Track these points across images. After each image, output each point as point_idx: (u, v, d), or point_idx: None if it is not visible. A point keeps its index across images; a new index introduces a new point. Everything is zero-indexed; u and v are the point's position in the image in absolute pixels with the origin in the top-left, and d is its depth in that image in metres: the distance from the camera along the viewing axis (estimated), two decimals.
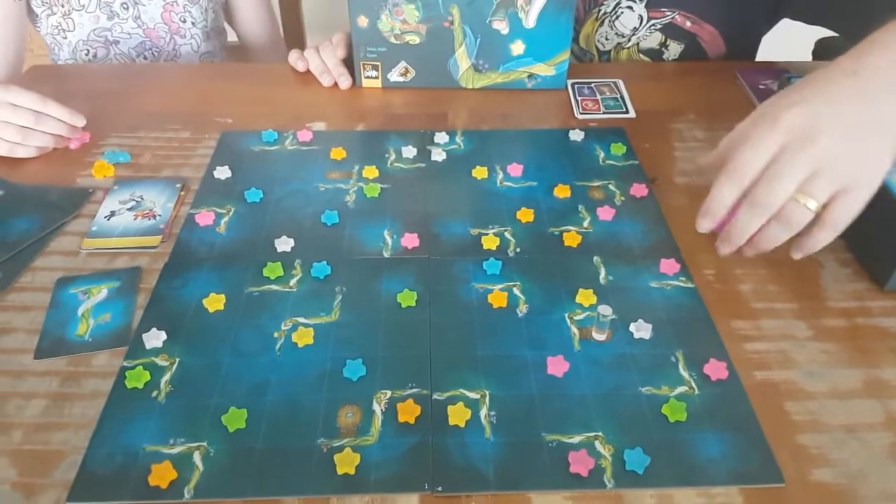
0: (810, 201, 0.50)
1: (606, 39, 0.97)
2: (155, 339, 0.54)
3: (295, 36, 1.43)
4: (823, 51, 1.05)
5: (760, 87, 0.86)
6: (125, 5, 0.98)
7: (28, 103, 0.71)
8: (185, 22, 1.03)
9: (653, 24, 0.93)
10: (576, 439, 0.48)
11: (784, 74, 0.74)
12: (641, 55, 0.97)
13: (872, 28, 0.51)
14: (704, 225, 0.55)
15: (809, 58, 1.06)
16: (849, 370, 0.53)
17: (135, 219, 0.66)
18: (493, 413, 0.49)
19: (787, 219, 0.51)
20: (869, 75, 0.49)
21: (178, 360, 0.53)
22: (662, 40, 0.94)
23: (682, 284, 0.59)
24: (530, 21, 0.80)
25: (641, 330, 0.55)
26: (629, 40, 0.95)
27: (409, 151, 0.75)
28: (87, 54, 1.01)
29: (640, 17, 0.93)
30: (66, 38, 0.99)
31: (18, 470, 0.46)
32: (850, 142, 0.49)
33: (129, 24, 0.99)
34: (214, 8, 1.07)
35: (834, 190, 0.49)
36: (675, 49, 0.95)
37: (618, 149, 0.75)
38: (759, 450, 0.47)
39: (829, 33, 0.88)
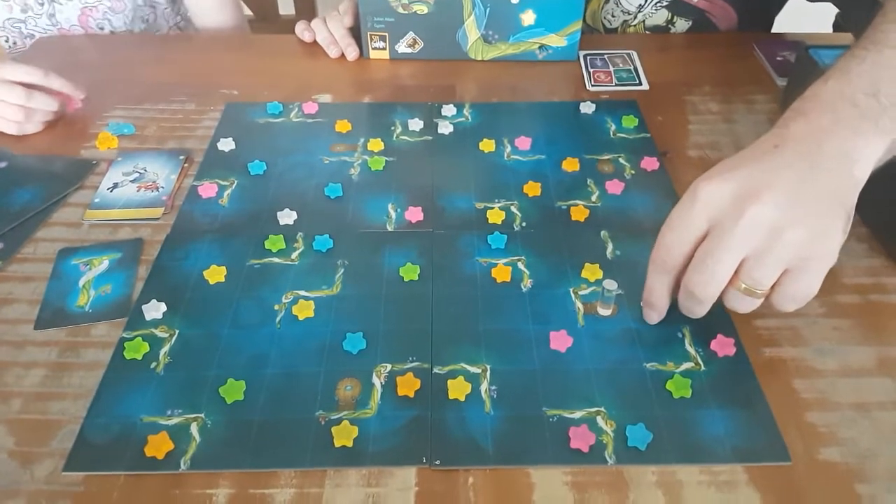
0: (755, 290, 0.44)
1: (613, 16, 0.95)
2: (155, 310, 0.53)
3: (306, 7, 1.41)
4: (845, 23, 1.02)
5: (778, 59, 0.84)
6: (40, 1, 0.94)
7: (28, 77, 0.70)
8: (102, 30, 0.97)
9: (659, 1, 0.90)
10: (577, 414, 0.47)
11: (802, 45, 0.72)
12: (648, 33, 0.94)
13: (866, 5, 0.48)
14: (652, 317, 0.51)
15: (830, 31, 1.03)
16: (861, 347, 0.52)
17: (138, 190, 0.66)
18: (493, 387, 0.49)
19: (732, 306, 0.46)
20: (790, 147, 0.45)
21: (177, 331, 0.53)
22: (669, 17, 0.92)
23: None
24: None
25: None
26: (635, 17, 0.93)
27: (416, 124, 0.73)
28: (6, 41, 0.97)
29: None
30: None
31: (16, 439, 0.46)
32: (791, 211, 0.42)
33: (43, 21, 0.95)
34: (147, 18, 1.01)
35: (781, 269, 0.44)
36: (682, 26, 0.92)
37: (629, 121, 0.74)
38: (766, 427, 0.46)
39: None
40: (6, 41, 0.98)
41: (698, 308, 0.47)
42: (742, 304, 0.46)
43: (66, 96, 0.74)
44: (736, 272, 0.44)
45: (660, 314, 0.51)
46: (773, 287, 0.45)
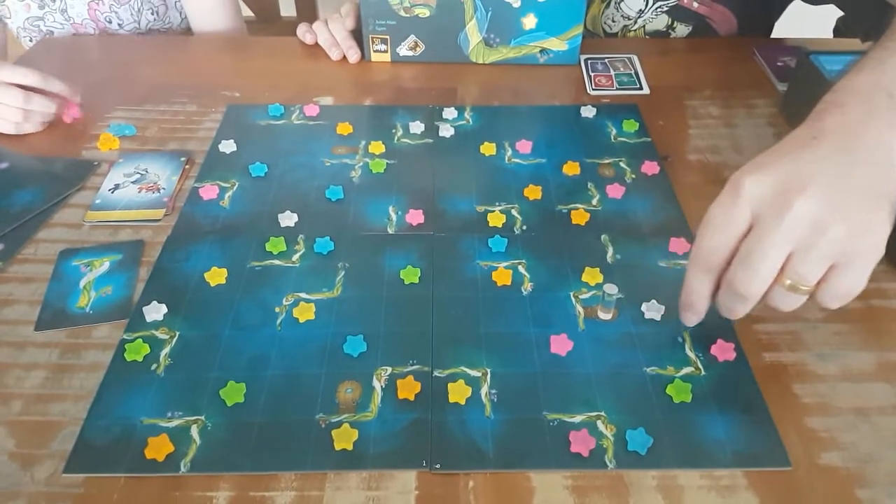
0: (801, 286, 0.43)
1: (613, 21, 0.95)
2: (155, 312, 0.53)
3: (307, 9, 1.42)
4: (846, 28, 1.02)
5: (778, 64, 0.84)
6: None
7: (29, 80, 0.70)
8: (111, 23, 0.98)
9: (659, 7, 0.91)
10: (577, 419, 0.47)
11: (803, 51, 0.72)
12: (648, 38, 0.94)
13: (869, 5, 0.47)
14: (690, 319, 0.49)
15: (831, 36, 1.03)
16: (861, 352, 0.52)
17: (139, 192, 0.66)
18: (493, 391, 0.49)
19: (777, 304, 0.45)
20: (828, 140, 0.44)
21: (178, 333, 0.53)
22: (669, 23, 0.92)
23: None
24: None
25: (652, 310, 0.54)
26: (635, 22, 0.93)
27: (417, 127, 0.73)
28: (30, 41, 0.98)
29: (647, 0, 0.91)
30: (6, 24, 0.98)
31: (17, 440, 0.46)
32: (835, 206, 0.41)
33: (57, 17, 0.96)
34: (157, 10, 1.01)
35: (827, 265, 0.42)
36: (682, 31, 0.93)
37: (630, 126, 0.74)
38: (766, 432, 0.46)
39: None
40: (29, 41, 0.99)
41: (741, 307, 0.46)
42: (787, 302, 0.45)
43: (63, 99, 0.74)
44: (781, 269, 0.43)
45: (699, 316, 0.49)
46: (818, 283, 0.44)
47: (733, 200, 0.44)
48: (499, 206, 0.64)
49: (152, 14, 1.01)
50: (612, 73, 0.83)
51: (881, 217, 0.42)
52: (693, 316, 0.49)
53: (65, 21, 0.97)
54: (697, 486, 0.44)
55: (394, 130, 0.74)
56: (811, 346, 0.52)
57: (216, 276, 0.56)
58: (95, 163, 0.69)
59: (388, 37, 0.83)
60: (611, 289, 0.53)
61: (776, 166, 0.43)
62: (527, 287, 0.56)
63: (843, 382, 0.50)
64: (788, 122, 0.75)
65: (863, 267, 0.43)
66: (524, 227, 0.62)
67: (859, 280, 0.43)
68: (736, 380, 0.50)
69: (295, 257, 0.59)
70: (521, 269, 0.58)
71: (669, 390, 0.48)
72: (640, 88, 0.81)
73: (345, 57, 0.86)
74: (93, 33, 0.98)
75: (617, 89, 0.81)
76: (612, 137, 0.73)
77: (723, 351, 0.51)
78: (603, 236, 0.61)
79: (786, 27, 1.00)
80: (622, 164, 0.69)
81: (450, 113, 0.75)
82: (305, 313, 0.54)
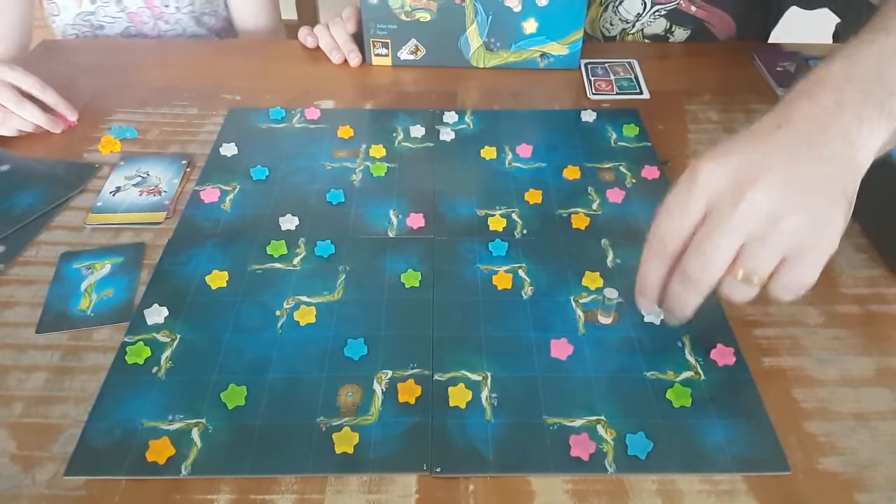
0: (753, 278, 0.42)
1: (611, 24, 0.95)
2: (156, 314, 0.53)
3: (308, 12, 1.42)
4: (846, 33, 1.03)
5: (778, 69, 0.84)
6: None
7: (26, 85, 0.71)
8: (167, 7, 0.98)
9: (657, 10, 0.91)
10: (577, 423, 0.47)
11: (802, 56, 0.72)
12: (646, 41, 0.95)
13: (864, 10, 0.47)
14: (643, 305, 0.48)
15: (829, 41, 1.03)
16: (860, 357, 0.52)
17: (140, 195, 0.66)
18: (494, 395, 0.49)
19: (729, 295, 0.44)
20: (791, 129, 0.43)
21: (179, 336, 0.53)
22: (667, 26, 0.92)
23: None
24: None
25: (652, 315, 0.54)
26: (633, 26, 0.94)
27: (418, 131, 0.74)
28: (76, 37, 0.99)
29: (644, 3, 0.91)
30: (55, 22, 0.98)
31: (18, 443, 0.46)
32: (790, 198, 0.41)
33: (111, 8, 0.96)
34: None
35: (779, 257, 0.42)
36: (680, 35, 0.93)
37: (630, 130, 0.74)
38: (766, 437, 0.46)
39: None
40: (76, 37, 0.99)
41: (693, 298, 0.45)
42: (738, 293, 0.44)
43: (58, 114, 0.74)
44: (734, 259, 0.43)
45: (651, 303, 0.48)
46: (770, 276, 0.43)
47: (689, 189, 0.43)
48: (499, 210, 0.64)
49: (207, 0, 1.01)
50: (613, 77, 0.84)
51: (837, 212, 0.42)
52: (646, 302, 0.48)
53: (119, 12, 0.97)
54: (697, 491, 0.44)
55: (395, 134, 0.74)
56: (811, 350, 0.52)
57: (217, 279, 0.57)
58: (96, 165, 0.69)
59: (389, 41, 0.84)
60: (611, 293, 0.53)
61: (735, 155, 0.43)
62: (527, 291, 0.56)
63: (843, 387, 0.50)
64: None
65: (815, 261, 0.42)
66: (524, 232, 0.62)
67: (811, 274, 0.42)
68: (735, 384, 0.50)
69: (296, 260, 0.59)
70: (521, 273, 0.58)
71: (669, 395, 0.49)
72: (641, 93, 0.81)
73: (346, 60, 0.86)
74: (148, 21, 0.99)
75: (617, 94, 0.81)
76: (613, 142, 0.73)
77: (722, 355, 0.51)
78: (603, 240, 0.61)
79: (785, 32, 1.00)
80: (622, 169, 0.69)
81: (450, 117, 0.76)
82: (306, 316, 0.54)
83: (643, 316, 0.54)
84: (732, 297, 0.44)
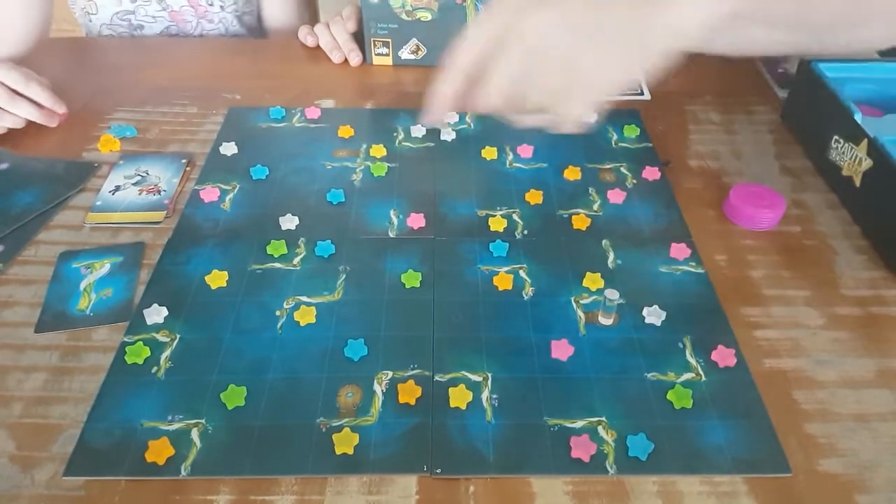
0: (530, 105, 0.44)
1: None
2: (156, 314, 0.53)
3: (308, 11, 1.42)
4: None
5: (779, 70, 0.84)
6: None
7: (10, 81, 0.69)
8: (212, 5, 0.97)
9: None
10: (578, 424, 0.47)
11: (803, 57, 0.72)
12: None
13: None
14: (430, 117, 0.48)
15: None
16: (860, 359, 0.52)
17: (139, 194, 0.66)
18: (494, 396, 0.49)
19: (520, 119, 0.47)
20: None
21: (178, 336, 0.52)
22: None
23: (692, 269, 0.58)
24: None
25: (653, 315, 0.54)
26: None
27: (419, 130, 0.74)
28: (77, 37, 0.98)
29: None
30: (90, 20, 0.97)
31: (17, 443, 0.46)
32: (572, 31, 0.42)
33: (153, 7, 0.95)
34: None
35: (552, 90, 0.43)
36: None
37: (631, 131, 0.74)
38: (766, 439, 0.46)
39: None
40: (111, 37, 0.98)
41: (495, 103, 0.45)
42: (524, 119, 0.47)
43: (49, 114, 0.73)
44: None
45: (438, 116, 0.47)
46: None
47: (485, 15, 0.44)
48: (500, 210, 0.64)
49: None
50: None
51: (618, 59, 0.43)
52: (435, 114, 0.47)
53: (161, 10, 0.95)
54: (697, 492, 0.44)
55: (395, 134, 0.74)
56: (811, 352, 0.52)
57: (217, 279, 0.56)
58: (96, 164, 0.69)
59: (389, 40, 0.84)
60: (612, 294, 0.53)
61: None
62: (528, 292, 0.56)
63: (843, 389, 0.50)
64: (789, 129, 0.75)
65: (579, 94, 0.43)
66: (525, 232, 0.62)
67: (579, 107, 0.44)
68: (736, 386, 0.50)
69: (296, 260, 0.59)
70: (522, 273, 0.58)
71: (670, 396, 0.49)
72: (642, 94, 0.81)
73: (346, 60, 0.86)
74: (191, 21, 0.97)
75: (618, 94, 0.81)
76: (614, 143, 0.73)
77: (723, 357, 0.51)
78: (604, 241, 0.61)
79: None
80: (623, 170, 0.69)
81: (451, 117, 0.76)
82: (306, 317, 0.54)
83: (644, 317, 0.54)
84: (520, 122, 0.47)
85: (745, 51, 0.47)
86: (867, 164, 0.61)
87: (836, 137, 0.65)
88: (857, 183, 0.62)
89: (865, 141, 0.60)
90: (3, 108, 0.70)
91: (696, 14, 0.42)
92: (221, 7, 0.98)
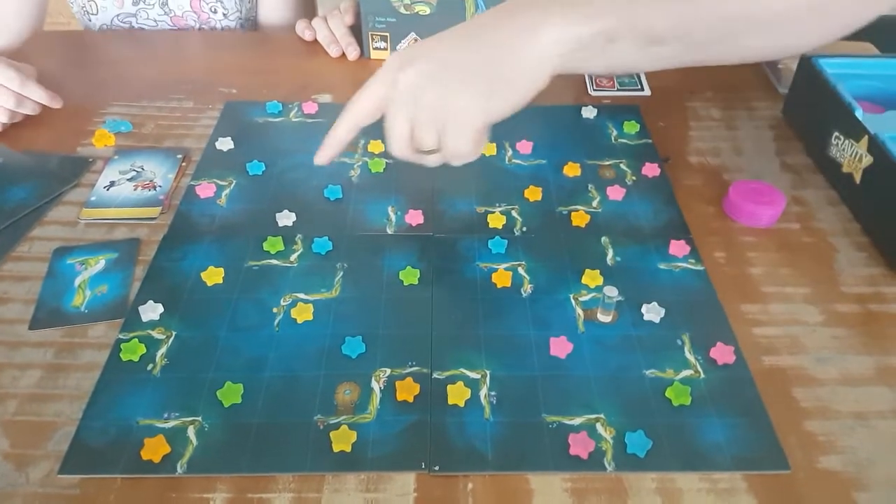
0: (423, 149, 0.49)
1: None
2: (152, 311, 0.53)
3: (306, 5, 1.41)
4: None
5: (779, 66, 0.84)
6: None
7: (6, 81, 0.69)
8: (215, 13, 0.96)
9: None
10: (577, 421, 0.47)
11: (805, 54, 0.72)
12: None
13: None
14: (323, 157, 0.54)
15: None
16: (860, 357, 0.52)
17: (135, 189, 0.65)
18: (493, 393, 0.48)
19: (423, 162, 0.51)
20: (467, 24, 0.48)
21: (174, 333, 0.52)
22: None
23: (691, 266, 0.58)
24: None
25: (652, 312, 0.53)
26: None
27: None
28: (71, 30, 0.97)
29: None
30: (90, 21, 0.96)
31: (11, 441, 0.45)
32: (433, 77, 0.46)
33: (155, 11, 0.94)
34: None
35: (434, 130, 0.48)
36: None
37: (631, 127, 0.74)
38: (765, 436, 0.46)
39: None
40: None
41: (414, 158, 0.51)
42: (427, 160, 0.51)
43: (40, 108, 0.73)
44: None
45: (331, 158, 0.54)
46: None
47: (375, 78, 0.49)
48: (499, 207, 0.64)
49: (250, 2, 0.99)
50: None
51: (476, 88, 0.46)
52: (326, 155, 0.53)
53: (163, 14, 0.94)
54: (696, 490, 0.44)
55: None
56: (810, 349, 0.52)
57: (213, 276, 0.56)
58: (90, 159, 0.69)
59: (387, 34, 0.83)
60: (611, 291, 0.52)
61: (411, 49, 0.48)
62: (527, 289, 0.56)
63: (842, 386, 0.50)
64: (790, 125, 0.75)
65: (457, 132, 0.47)
66: (524, 229, 0.61)
67: (461, 143, 0.48)
68: (735, 383, 0.49)
69: (293, 257, 0.58)
70: (521, 270, 0.57)
71: (669, 393, 0.48)
72: (642, 89, 0.81)
73: (344, 54, 0.86)
74: (193, 26, 0.96)
75: (618, 90, 0.81)
76: (613, 139, 0.72)
77: (722, 354, 0.51)
78: (603, 238, 0.60)
79: None
80: (623, 166, 0.69)
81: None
82: (303, 314, 0.53)
83: (643, 314, 0.54)
84: (426, 163, 0.51)
85: (627, 69, 0.50)
86: (867, 160, 0.60)
87: (836, 134, 0.65)
88: (858, 180, 0.62)
89: (866, 137, 0.60)
90: (10, 109, 0.70)
91: (560, 40, 0.45)
92: (224, 15, 0.97)
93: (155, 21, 0.95)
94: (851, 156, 0.63)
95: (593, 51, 0.45)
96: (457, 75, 0.46)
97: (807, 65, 0.71)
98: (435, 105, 0.46)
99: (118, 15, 0.94)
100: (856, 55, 0.73)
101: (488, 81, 0.46)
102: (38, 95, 0.71)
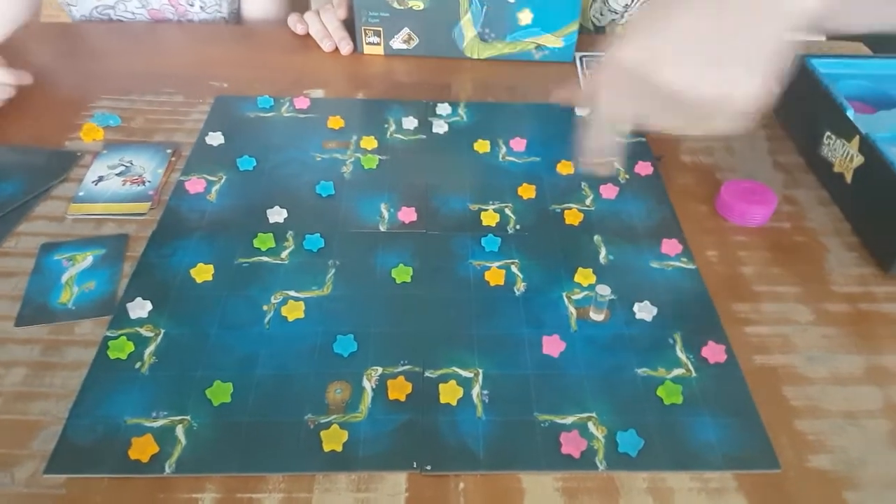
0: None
1: (601, 15, 0.94)
2: (140, 308, 0.52)
3: (289, 9, 1.40)
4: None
5: None
6: None
7: None
8: (192, 6, 0.94)
9: (645, 2, 0.90)
10: (569, 420, 0.47)
11: (797, 53, 0.72)
12: None
13: None
14: (587, 163, 0.51)
15: (822, 37, 1.03)
16: (850, 356, 0.52)
17: (123, 184, 0.64)
18: (485, 392, 0.48)
19: None
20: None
21: (163, 331, 0.51)
22: None
23: (683, 265, 0.58)
24: None
25: (644, 311, 0.53)
26: (622, 17, 0.93)
27: (410, 122, 0.73)
28: (59, 23, 0.96)
29: None
30: (71, 11, 0.95)
31: None
32: (697, 69, 0.42)
33: (133, 3, 0.93)
34: None
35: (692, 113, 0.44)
36: None
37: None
38: (756, 435, 0.46)
39: None
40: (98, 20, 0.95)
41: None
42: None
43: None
44: None
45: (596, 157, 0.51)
46: None
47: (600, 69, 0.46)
48: (492, 204, 0.63)
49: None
50: None
51: (746, 73, 0.41)
52: (590, 157, 0.50)
53: (140, 7, 0.93)
54: (688, 489, 0.44)
55: (386, 125, 0.73)
56: (801, 348, 0.52)
57: (202, 273, 0.55)
58: (79, 154, 0.68)
59: (381, 29, 0.82)
60: (603, 290, 0.52)
61: (638, 39, 0.44)
62: (519, 287, 0.56)
63: (833, 386, 0.50)
64: (782, 125, 0.75)
65: (731, 112, 0.43)
66: (518, 227, 0.61)
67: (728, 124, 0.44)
68: (726, 382, 0.49)
69: (284, 254, 0.58)
70: (514, 268, 0.57)
71: (660, 392, 0.48)
72: None
73: (337, 49, 0.85)
74: (171, 20, 0.94)
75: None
76: None
77: (714, 353, 0.51)
78: (596, 237, 0.60)
79: None
80: (616, 164, 0.68)
81: (444, 109, 0.75)
82: (294, 312, 0.53)
83: (635, 313, 0.53)
84: None
85: (857, 28, 0.46)
86: (858, 160, 0.60)
87: (828, 134, 0.65)
88: (849, 179, 0.62)
89: (857, 137, 0.60)
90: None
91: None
92: (202, 8, 0.95)
93: (133, 13, 0.94)
94: (843, 156, 0.63)
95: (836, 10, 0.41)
96: (720, 62, 0.42)
97: (800, 64, 0.71)
98: (709, 99, 0.43)
99: (97, 7, 0.93)
100: (848, 55, 0.73)
101: (757, 60, 0.41)
102: (3, 76, 0.69)
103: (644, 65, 0.43)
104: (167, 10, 0.94)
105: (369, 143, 0.70)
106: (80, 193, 0.63)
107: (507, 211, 0.63)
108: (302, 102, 0.75)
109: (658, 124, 0.46)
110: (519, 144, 0.70)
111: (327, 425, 0.46)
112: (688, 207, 0.64)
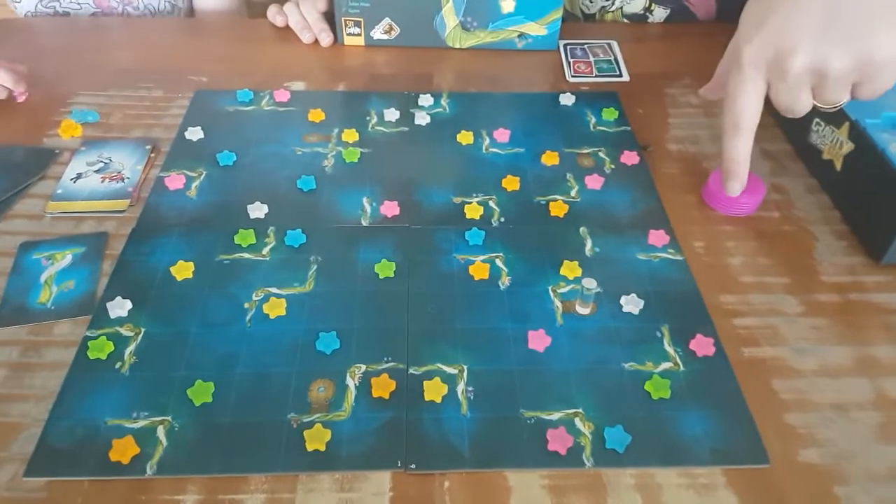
0: (833, 105, 0.50)
1: (591, 2, 0.93)
2: (120, 308, 0.51)
3: None
4: None
5: None
6: None
7: None
8: None
9: None
10: (555, 416, 0.46)
11: None
12: (625, 20, 0.93)
13: None
14: (734, 188, 0.56)
15: None
16: (839, 347, 0.51)
17: (102, 181, 0.63)
18: (470, 388, 0.48)
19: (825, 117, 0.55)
20: None
21: (143, 330, 0.51)
22: (647, 4, 0.91)
23: (670, 257, 0.57)
24: None
25: (631, 304, 0.53)
26: (613, 4, 0.92)
27: (392, 114, 0.72)
28: (36, 17, 0.94)
29: None
30: (15, 8, 0.93)
31: None
32: (827, 47, 0.46)
33: None
34: None
35: (847, 87, 0.48)
36: (659, 14, 0.91)
37: (610, 114, 0.73)
38: (745, 429, 0.46)
39: None
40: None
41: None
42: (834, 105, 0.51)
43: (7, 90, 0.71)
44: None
45: (742, 183, 0.56)
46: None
47: (738, 71, 0.51)
48: (476, 197, 0.63)
49: None
50: (592, 59, 0.82)
51: (877, 35, 0.45)
52: (737, 184, 0.56)
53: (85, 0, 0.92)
54: (676, 485, 0.43)
55: (368, 118, 0.72)
56: (789, 340, 0.52)
57: (183, 270, 0.55)
58: (57, 151, 0.66)
59: (361, 19, 0.81)
60: (589, 283, 0.52)
61: (763, 31, 0.48)
62: (504, 281, 0.55)
63: (822, 378, 0.49)
64: (769, 112, 0.74)
65: (879, 77, 0.47)
66: (502, 220, 0.60)
67: (881, 85, 0.48)
68: (715, 375, 0.49)
69: (265, 250, 0.57)
70: (498, 262, 0.57)
71: (648, 386, 0.48)
72: (620, 75, 0.80)
73: (317, 40, 0.84)
74: (116, 6, 0.93)
75: (596, 76, 0.79)
76: (592, 126, 0.71)
77: (701, 346, 0.50)
78: (581, 229, 0.60)
79: None
80: (601, 154, 0.68)
81: (426, 100, 0.74)
82: (276, 309, 0.52)
83: (622, 306, 0.53)
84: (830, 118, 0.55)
85: None
86: (848, 147, 0.60)
87: (816, 120, 0.64)
88: (838, 167, 0.62)
89: (847, 124, 0.60)
90: None
91: None
92: None
93: (79, 4, 0.92)
94: (832, 142, 0.62)
95: None
96: (848, 33, 0.46)
97: None
98: (847, 68, 0.46)
99: (41, 1, 0.91)
100: None
101: (881, 21, 0.45)
102: (3, 79, 0.69)
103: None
104: (114, 2, 0.93)
105: (351, 135, 0.69)
106: (59, 191, 0.62)
107: (492, 203, 0.62)
108: (282, 95, 0.74)
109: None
110: (503, 135, 0.69)
111: (310, 424, 0.45)
112: (675, 197, 0.63)
